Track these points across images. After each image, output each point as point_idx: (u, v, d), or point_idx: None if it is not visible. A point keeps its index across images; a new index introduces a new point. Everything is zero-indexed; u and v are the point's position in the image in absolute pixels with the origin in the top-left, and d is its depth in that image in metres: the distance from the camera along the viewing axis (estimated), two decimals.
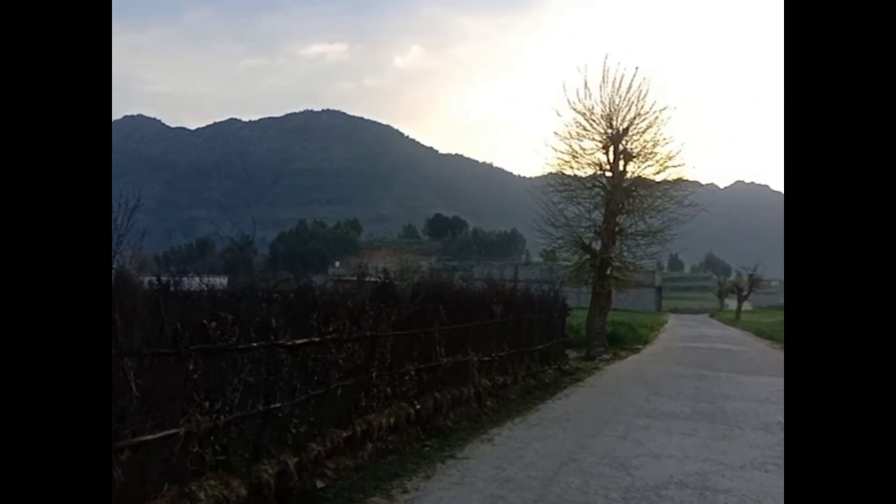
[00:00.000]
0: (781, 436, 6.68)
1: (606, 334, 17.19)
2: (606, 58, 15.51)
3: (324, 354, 5.07)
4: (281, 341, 4.53)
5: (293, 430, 4.65)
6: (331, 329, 5.13)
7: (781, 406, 8.56)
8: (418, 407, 6.41)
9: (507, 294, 10.16)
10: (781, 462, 5.55)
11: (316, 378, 5.00)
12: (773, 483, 4.92)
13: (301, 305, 4.92)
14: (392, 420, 5.94)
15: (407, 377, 6.39)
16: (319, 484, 4.65)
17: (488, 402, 7.92)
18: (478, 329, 8.32)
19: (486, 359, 8.47)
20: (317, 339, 4.97)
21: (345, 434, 5.21)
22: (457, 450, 5.73)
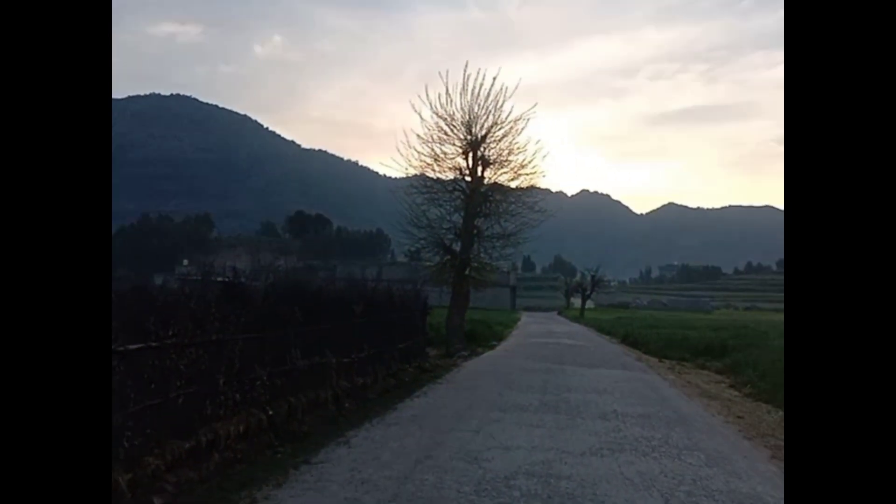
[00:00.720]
0: (617, 423, 7.35)
1: (465, 332, 17.81)
2: (466, 65, 16.07)
3: (162, 361, 4.64)
4: (111, 347, 4.07)
5: (126, 444, 4.21)
6: (171, 333, 4.71)
7: (617, 396, 9.45)
8: (271, 413, 6.13)
9: (369, 294, 10.09)
10: (615, 447, 6.11)
11: (153, 386, 4.56)
12: (608, 466, 5.39)
13: (136, 307, 4.46)
14: (241, 428, 5.61)
15: (258, 382, 6.07)
16: (157, 501, 4.26)
17: (346, 404, 7.79)
18: (337, 330, 8.15)
19: (346, 360, 8.34)
20: (154, 345, 4.53)
21: (187, 445, 4.82)
22: (311, 454, 5.55)
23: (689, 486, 4.87)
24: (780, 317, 49.92)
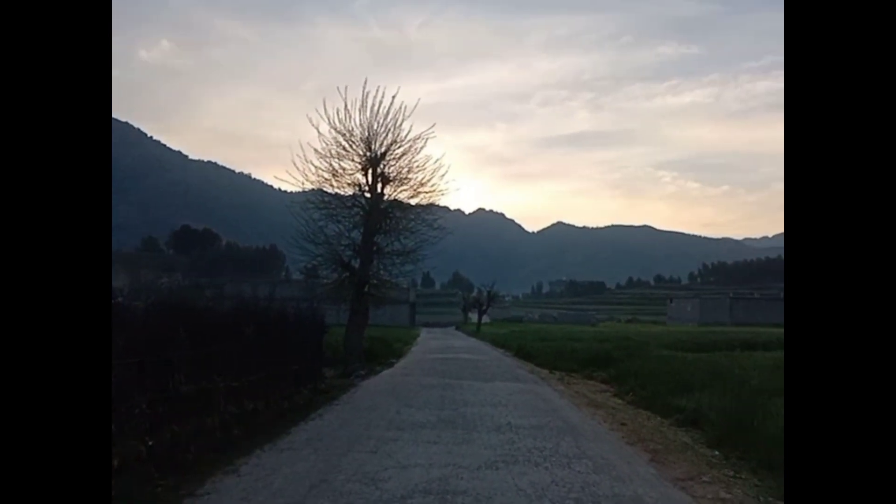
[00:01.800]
0: (511, 435, 7.56)
1: (363, 350, 17.57)
2: (366, 82, 16.09)
3: None
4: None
5: None
6: None
7: (511, 408, 9.72)
8: (150, 443, 5.68)
9: (261, 313, 9.69)
10: (509, 459, 6.28)
11: None
12: (502, 479, 5.53)
13: None
14: (116, 462, 5.14)
15: (137, 410, 5.62)
16: None
17: (235, 431, 7.39)
18: (225, 352, 7.74)
19: (235, 384, 7.92)
20: None
21: None
22: (196, 486, 5.20)
23: (577, 494, 5.10)
24: (659, 328, 53.97)
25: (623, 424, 8.78)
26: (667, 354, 17.76)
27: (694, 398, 9.60)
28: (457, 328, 59.96)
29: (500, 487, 5.25)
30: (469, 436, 7.47)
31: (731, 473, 6.05)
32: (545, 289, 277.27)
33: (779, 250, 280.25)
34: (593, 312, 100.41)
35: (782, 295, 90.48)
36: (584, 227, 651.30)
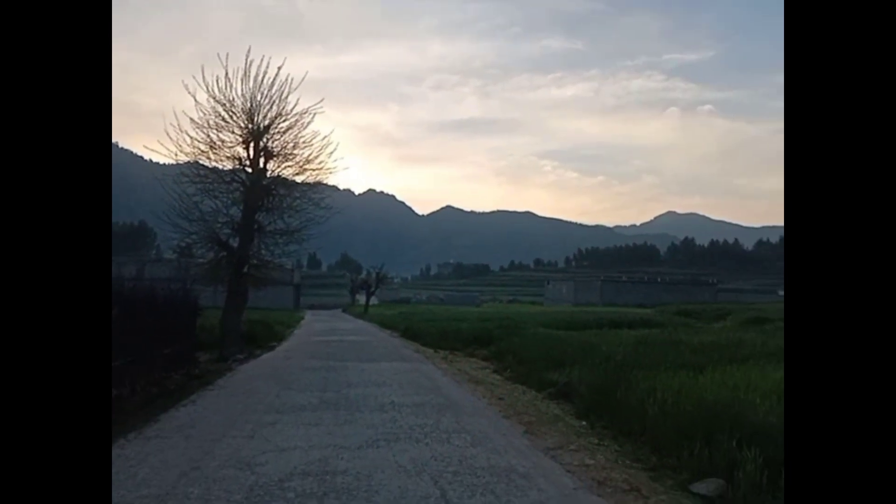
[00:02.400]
0: (394, 413, 7.64)
1: (242, 333, 16.80)
2: (249, 51, 15.21)
3: None
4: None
5: None
6: None
7: (395, 387, 9.81)
8: None
9: (126, 294, 8.94)
10: (391, 437, 6.35)
11: None
12: (383, 456, 5.58)
13: None
14: None
15: None
16: None
17: None
18: None
19: None
20: None
21: None
22: None
23: (455, 467, 5.28)
24: (537, 308, 56.96)
25: (501, 399, 9.19)
26: (543, 333, 18.81)
27: (566, 373, 10.26)
28: (344, 310, 59.21)
29: (380, 465, 5.30)
30: (351, 416, 7.45)
31: (596, 441, 6.56)
32: (433, 271, 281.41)
33: (645, 237, 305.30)
34: (478, 294, 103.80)
35: (647, 278, 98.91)
36: (471, 212, 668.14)
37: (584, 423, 7.50)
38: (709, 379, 8.36)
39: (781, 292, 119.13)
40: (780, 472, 4.53)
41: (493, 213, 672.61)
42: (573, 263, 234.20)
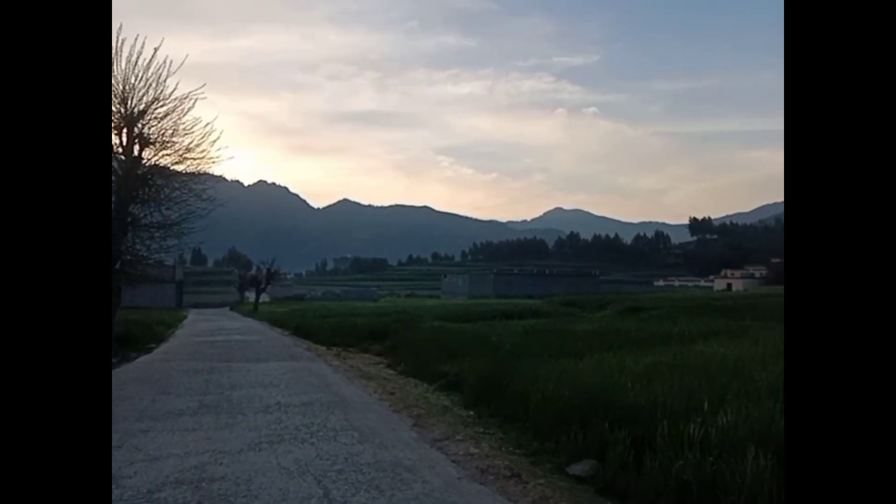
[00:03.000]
0: (279, 415, 7.38)
1: (116, 335, 15.47)
2: (121, 28, 13.96)
3: None
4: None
5: None
6: None
7: (283, 387, 9.49)
8: None
9: None
10: (275, 439, 6.12)
11: None
12: (265, 459, 5.37)
13: None
14: None
15: None
16: None
17: None
18: None
19: None
20: None
21: None
22: None
23: (341, 465, 5.20)
24: (433, 302, 57.64)
25: (392, 393, 9.18)
26: (438, 325, 19.06)
27: (457, 364, 10.46)
28: (232, 308, 56.30)
29: (261, 468, 5.10)
30: (233, 420, 7.10)
31: (482, 430, 6.74)
32: (330, 266, 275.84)
33: (535, 231, 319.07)
34: (376, 288, 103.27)
35: (536, 271, 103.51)
36: (369, 206, 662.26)
37: (471, 412, 7.68)
38: (587, 365, 8.88)
39: (656, 282, 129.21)
40: (645, 450, 4.92)
41: (391, 206, 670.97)
42: (469, 257, 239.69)
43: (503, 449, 5.95)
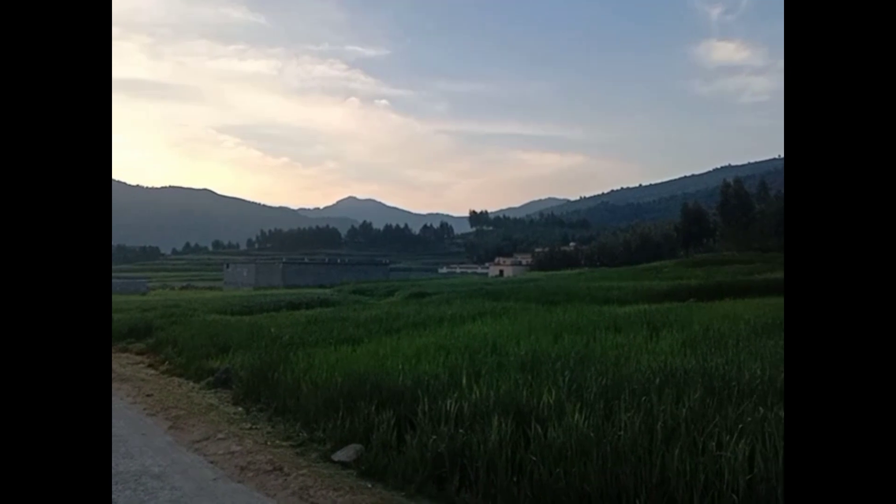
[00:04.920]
0: None
1: None
2: None
3: None
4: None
5: None
6: None
7: None
8: None
9: None
10: None
11: None
12: None
13: None
14: None
15: None
16: None
17: None
18: None
19: None
20: None
21: None
22: None
23: None
24: (213, 293, 53.36)
25: (149, 396, 8.25)
26: (213, 319, 17.69)
27: (228, 359, 9.80)
28: None
29: None
30: None
31: (249, 426, 6.40)
32: None
33: (328, 220, 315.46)
34: (144, 280, 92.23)
35: (327, 259, 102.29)
36: (137, 186, 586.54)
37: (239, 409, 7.27)
38: (364, 351, 9.01)
39: (441, 270, 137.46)
40: (407, 429, 5.13)
41: (164, 188, 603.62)
42: (256, 246, 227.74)
43: (269, 443, 5.72)
